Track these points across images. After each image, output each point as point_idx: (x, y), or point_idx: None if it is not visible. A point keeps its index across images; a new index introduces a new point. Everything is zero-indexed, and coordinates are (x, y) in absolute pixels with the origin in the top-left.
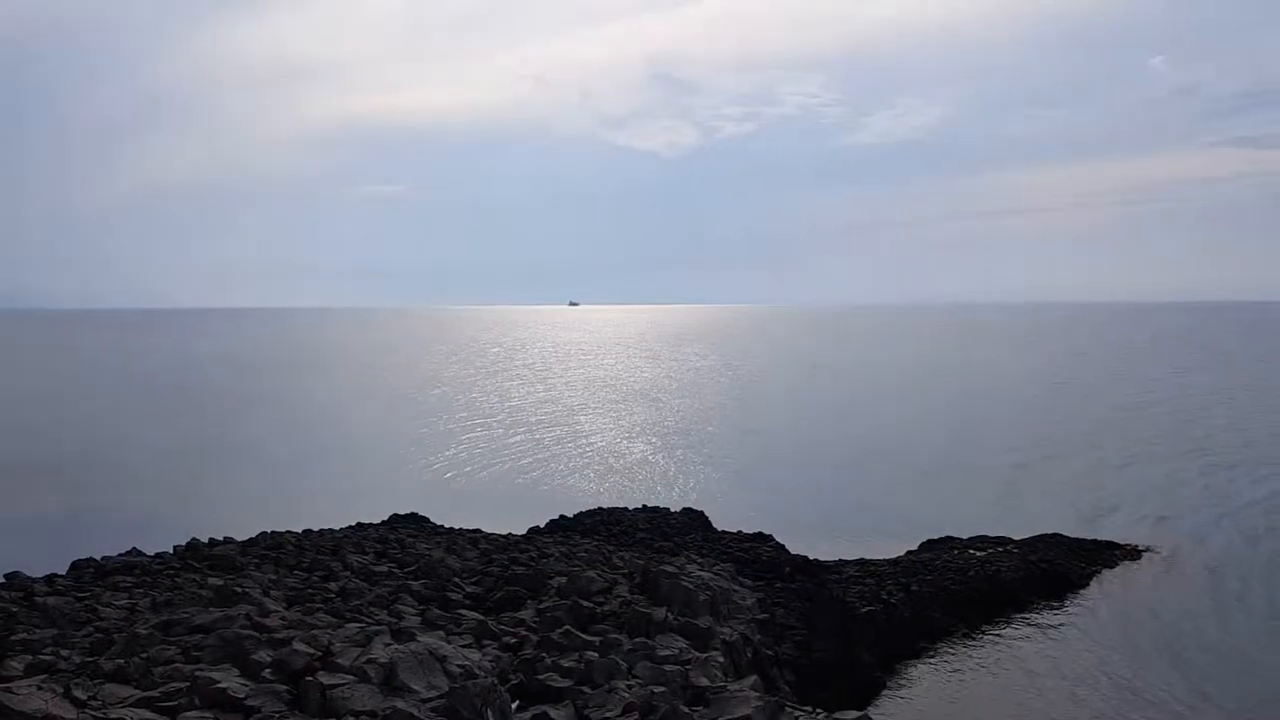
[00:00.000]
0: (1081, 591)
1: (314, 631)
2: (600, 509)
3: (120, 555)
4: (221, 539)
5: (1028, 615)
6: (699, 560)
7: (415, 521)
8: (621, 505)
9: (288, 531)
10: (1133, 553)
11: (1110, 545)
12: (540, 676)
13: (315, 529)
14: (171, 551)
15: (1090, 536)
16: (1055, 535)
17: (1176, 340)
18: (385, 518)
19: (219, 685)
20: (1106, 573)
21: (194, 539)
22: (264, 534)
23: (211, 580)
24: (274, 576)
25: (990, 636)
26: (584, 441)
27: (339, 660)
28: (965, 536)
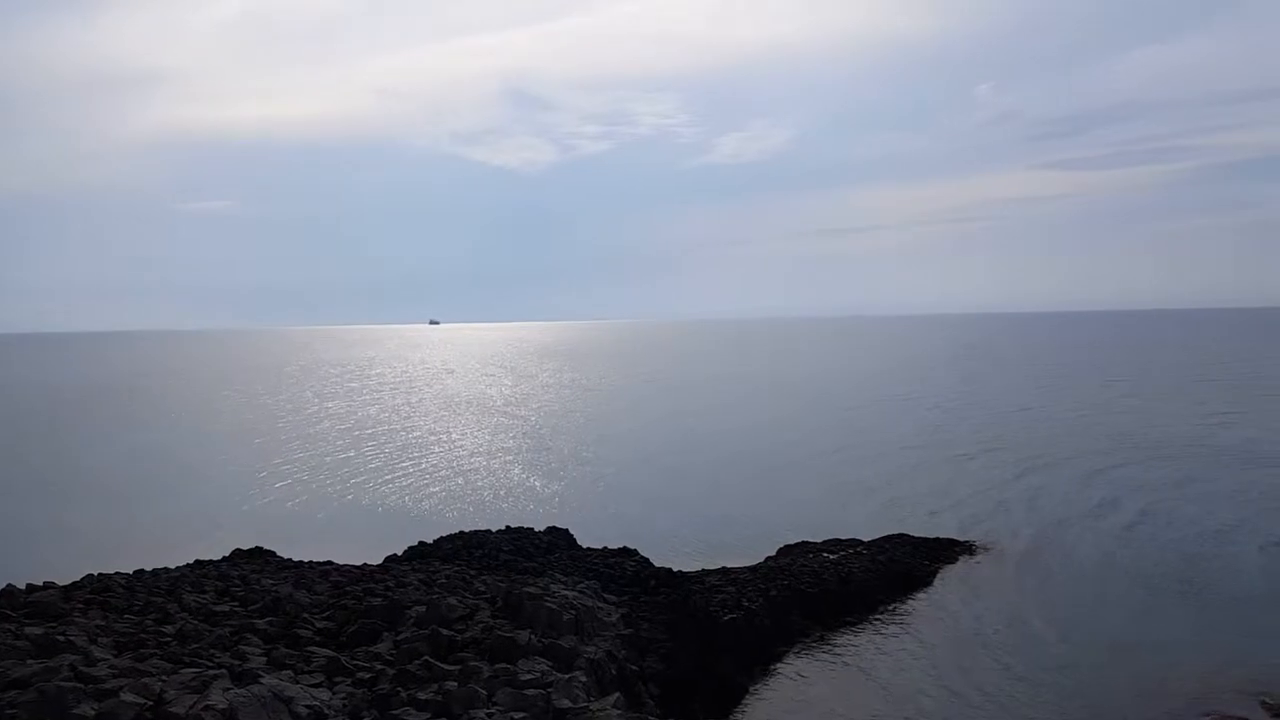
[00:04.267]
0: (927, 588)
1: (145, 679)
2: (462, 533)
3: None
4: (41, 584)
5: (878, 613)
6: (563, 579)
7: (260, 556)
8: (484, 528)
9: (116, 573)
10: (969, 549)
11: (950, 542)
12: (396, 712)
13: (149, 569)
14: None
15: (932, 535)
16: (901, 535)
17: (1000, 348)
18: (227, 554)
19: None
20: (948, 568)
21: (9, 585)
22: (89, 577)
23: (29, 629)
24: (101, 623)
25: (844, 636)
26: (444, 463)
27: (173, 709)
28: (819, 540)
